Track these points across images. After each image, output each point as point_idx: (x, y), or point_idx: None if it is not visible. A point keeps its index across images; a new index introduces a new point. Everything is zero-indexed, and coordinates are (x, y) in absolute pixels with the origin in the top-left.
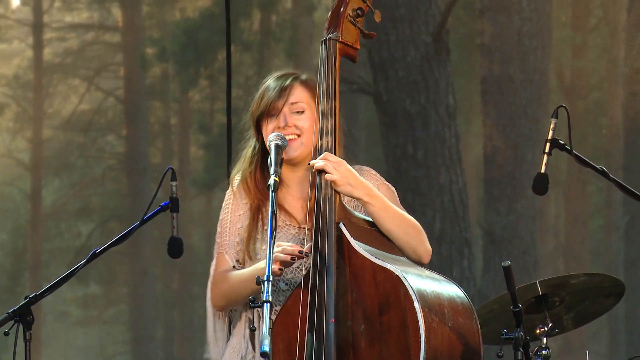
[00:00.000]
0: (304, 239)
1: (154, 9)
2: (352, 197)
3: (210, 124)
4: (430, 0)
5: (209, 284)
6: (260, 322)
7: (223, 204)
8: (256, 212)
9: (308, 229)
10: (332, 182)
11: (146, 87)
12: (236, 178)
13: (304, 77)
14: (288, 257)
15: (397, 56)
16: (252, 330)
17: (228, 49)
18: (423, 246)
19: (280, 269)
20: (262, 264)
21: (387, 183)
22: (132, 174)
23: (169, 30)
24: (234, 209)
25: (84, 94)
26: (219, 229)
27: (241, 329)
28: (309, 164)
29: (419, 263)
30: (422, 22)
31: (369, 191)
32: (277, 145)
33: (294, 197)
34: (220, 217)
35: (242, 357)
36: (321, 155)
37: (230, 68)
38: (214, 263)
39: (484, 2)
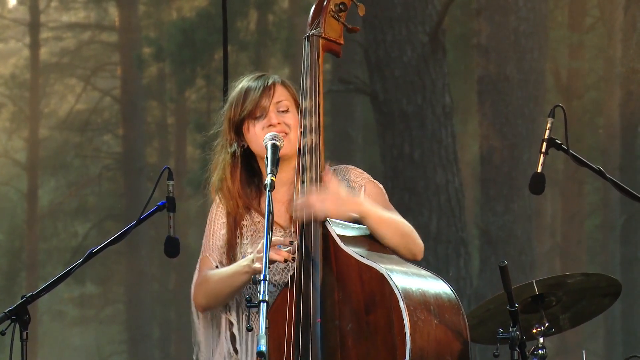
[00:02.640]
0: (291, 244)
1: (150, 9)
2: (351, 217)
3: (206, 123)
4: (426, 0)
5: (192, 285)
6: (255, 322)
7: (211, 209)
8: (234, 226)
9: (294, 231)
10: (327, 216)
11: (143, 86)
12: (217, 187)
13: (278, 77)
14: (282, 258)
15: (393, 56)
16: (249, 330)
17: (225, 48)
18: (416, 244)
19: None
20: (243, 262)
21: (375, 181)
22: (129, 173)
23: (165, 30)
24: (216, 218)
25: (81, 94)
26: (204, 234)
27: (223, 331)
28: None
29: (413, 260)
30: (419, 22)
31: (361, 206)
32: (273, 145)
33: (279, 201)
34: (207, 224)
35: (224, 358)
36: (301, 203)
37: (226, 68)
38: (197, 266)
39: (480, 2)
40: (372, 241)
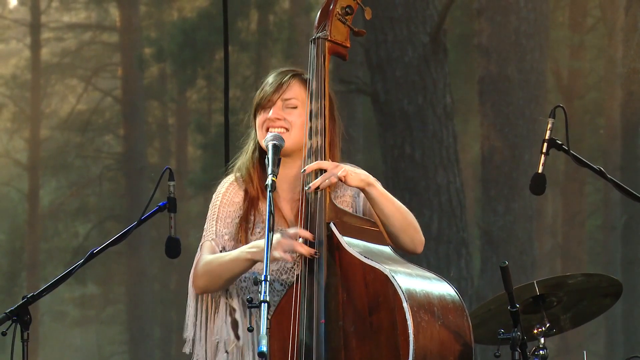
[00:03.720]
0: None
1: (151, 9)
2: (364, 183)
3: (207, 124)
4: (427, 1)
5: (192, 267)
6: (255, 321)
7: (213, 198)
8: (249, 209)
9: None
10: (344, 179)
11: (144, 87)
12: (237, 172)
13: (304, 75)
14: (307, 253)
15: (394, 56)
16: (250, 331)
17: (225, 49)
18: (418, 235)
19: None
20: (245, 248)
21: (375, 179)
22: (130, 174)
23: (166, 30)
24: (225, 204)
25: (82, 94)
26: (208, 218)
27: (222, 316)
28: (307, 188)
29: (413, 253)
30: (420, 22)
31: (369, 179)
32: (274, 146)
33: (284, 200)
34: (211, 209)
35: (224, 344)
36: (312, 164)
37: (227, 68)
38: (198, 251)
39: (481, 2)
40: (374, 235)
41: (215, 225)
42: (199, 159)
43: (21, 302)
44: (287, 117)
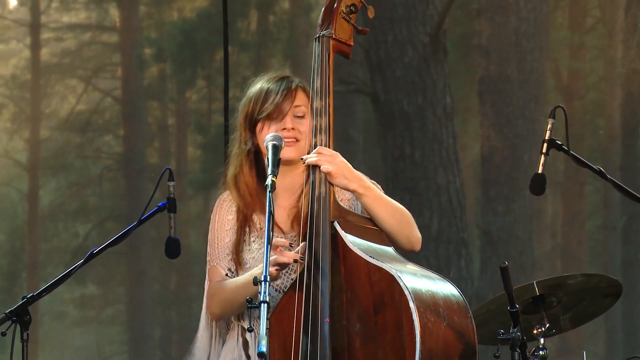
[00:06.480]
0: (291, 246)
1: (151, 9)
2: (347, 189)
3: (207, 124)
4: (427, 1)
5: (205, 296)
6: (256, 323)
7: (211, 217)
8: (243, 223)
9: (299, 234)
10: (328, 174)
11: (144, 87)
12: (228, 184)
13: (300, 81)
14: (291, 260)
15: (394, 56)
16: (250, 331)
17: (225, 49)
18: (414, 234)
19: (277, 270)
20: (256, 270)
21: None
22: (130, 174)
23: (166, 31)
24: (219, 225)
25: (82, 94)
26: (209, 243)
27: (234, 337)
28: (302, 159)
29: (412, 251)
30: (420, 23)
31: (363, 183)
32: (274, 146)
33: (280, 206)
34: (209, 233)
35: None
36: (314, 150)
37: (227, 68)
38: (207, 276)
39: (481, 3)
40: (376, 235)
41: (217, 248)
42: (199, 159)
43: (21, 303)
44: (299, 127)
